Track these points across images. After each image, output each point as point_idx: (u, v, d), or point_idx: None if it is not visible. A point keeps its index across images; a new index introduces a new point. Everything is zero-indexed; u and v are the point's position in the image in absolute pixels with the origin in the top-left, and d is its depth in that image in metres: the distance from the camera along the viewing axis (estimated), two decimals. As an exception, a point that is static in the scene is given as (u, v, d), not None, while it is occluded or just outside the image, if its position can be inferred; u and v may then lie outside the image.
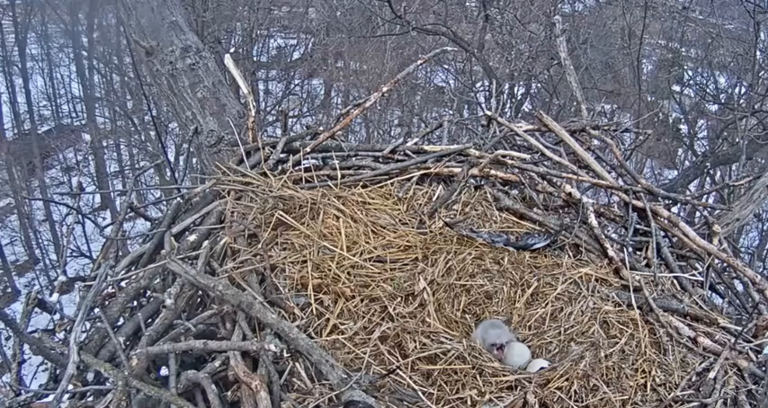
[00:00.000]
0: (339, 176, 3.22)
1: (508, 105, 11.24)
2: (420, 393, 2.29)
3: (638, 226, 3.23)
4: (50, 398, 2.29)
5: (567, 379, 2.37)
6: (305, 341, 2.29)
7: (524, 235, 3.09)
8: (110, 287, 2.73)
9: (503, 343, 2.56)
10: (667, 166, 15.00)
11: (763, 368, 2.55)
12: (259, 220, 2.90)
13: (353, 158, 3.42)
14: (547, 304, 2.80)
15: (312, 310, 2.55)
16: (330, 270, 2.69)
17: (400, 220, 3.08)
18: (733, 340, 2.62)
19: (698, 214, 3.97)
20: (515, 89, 12.32)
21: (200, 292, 2.66)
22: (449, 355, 2.40)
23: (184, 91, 3.89)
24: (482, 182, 3.39)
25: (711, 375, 2.47)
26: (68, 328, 2.54)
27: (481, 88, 12.06)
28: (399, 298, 2.64)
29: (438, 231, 3.00)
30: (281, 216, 2.90)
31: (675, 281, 3.04)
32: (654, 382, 2.47)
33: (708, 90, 12.22)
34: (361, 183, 3.23)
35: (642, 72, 12.13)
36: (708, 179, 10.76)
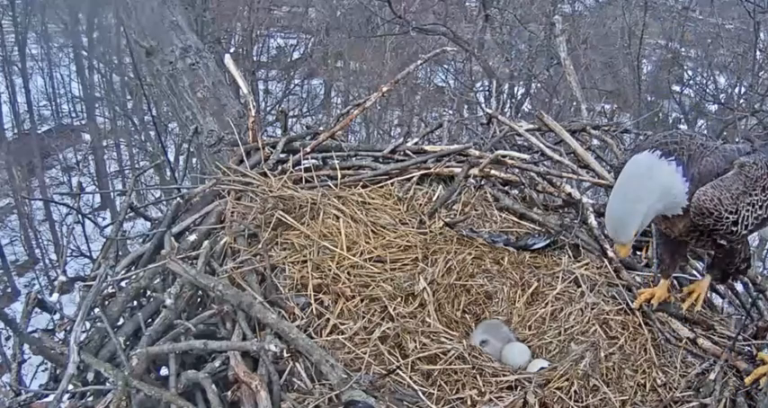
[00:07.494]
0: (339, 176, 3.22)
1: (508, 105, 11.23)
2: (420, 393, 2.28)
3: (637, 226, 3.22)
4: (50, 398, 2.29)
5: (567, 379, 2.37)
6: (305, 341, 2.29)
7: (524, 234, 3.09)
8: (110, 287, 2.73)
9: (483, 340, 2.60)
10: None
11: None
12: (259, 220, 2.90)
13: (353, 158, 3.42)
14: (547, 304, 2.80)
15: (312, 310, 2.54)
16: (330, 270, 2.69)
17: (400, 220, 3.08)
18: (733, 342, 2.61)
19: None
20: (515, 89, 12.32)
21: (200, 292, 2.66)
22: (449, 355, 2.40)
23: (184, 91, 3.89)
24: (482, 182, 3.39)
25: (711, 376, 2.47)
26: (68, 328, 2.53)
27: (481, 88, 12.06)
28: (399, 298, 2.64)
29: (438, 231, 3.01)
30: (281, 216, 2.90)
31: (675, 281, 3.03)
32: (654, 382, 2.47)
33: (708, 90, 12.23)
34: (361, 183, 3.23)
35: (642, 72, 12.12)
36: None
